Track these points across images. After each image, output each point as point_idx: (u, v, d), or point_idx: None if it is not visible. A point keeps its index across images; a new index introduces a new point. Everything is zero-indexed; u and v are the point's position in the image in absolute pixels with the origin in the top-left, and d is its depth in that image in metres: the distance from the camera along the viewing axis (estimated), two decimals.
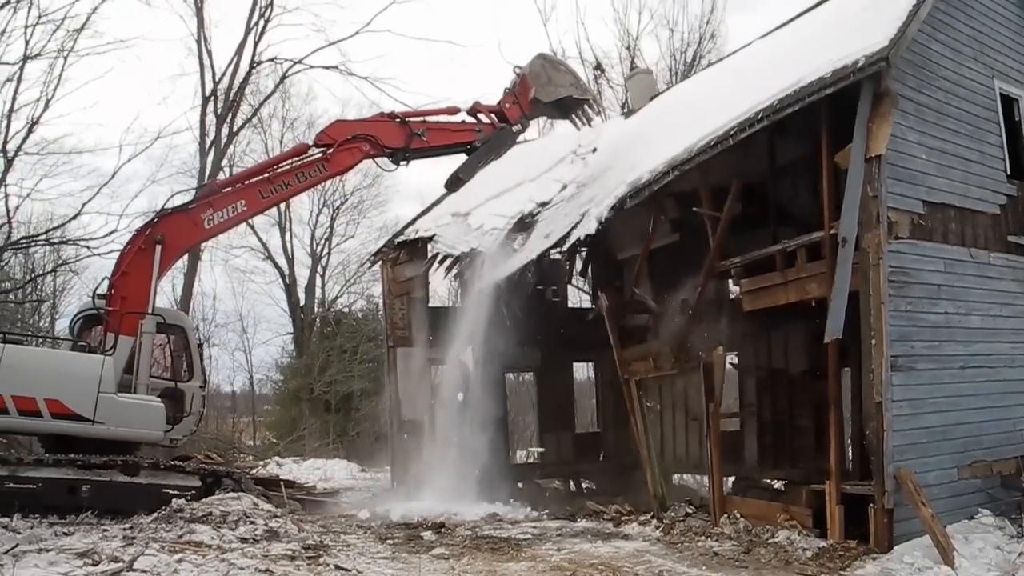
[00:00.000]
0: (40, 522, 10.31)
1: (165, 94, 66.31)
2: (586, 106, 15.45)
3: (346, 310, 34.09)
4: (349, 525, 12.45)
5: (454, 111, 14.64)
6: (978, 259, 10.98)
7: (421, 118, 14.24)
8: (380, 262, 19.29)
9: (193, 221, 12.77)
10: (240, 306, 37.07)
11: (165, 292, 29.51)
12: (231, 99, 24.93)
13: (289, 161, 13.52)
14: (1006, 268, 11.39)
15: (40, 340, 20.23)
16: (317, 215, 34.65)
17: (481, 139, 14.33)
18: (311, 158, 13.51)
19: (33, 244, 23.02)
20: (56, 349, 12.47)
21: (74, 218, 20.73)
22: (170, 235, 12.55)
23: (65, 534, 9.65)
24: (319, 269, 34.68)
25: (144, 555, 8.19)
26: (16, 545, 8.55)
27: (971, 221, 11.03)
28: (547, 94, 14.72)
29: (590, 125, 16.00)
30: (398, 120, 13.93)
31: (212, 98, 24.47)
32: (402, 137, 13.84)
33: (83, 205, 21.51)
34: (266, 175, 13.29)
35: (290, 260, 33.61)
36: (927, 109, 10.63)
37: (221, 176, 23.12)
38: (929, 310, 10.28)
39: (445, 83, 52.47)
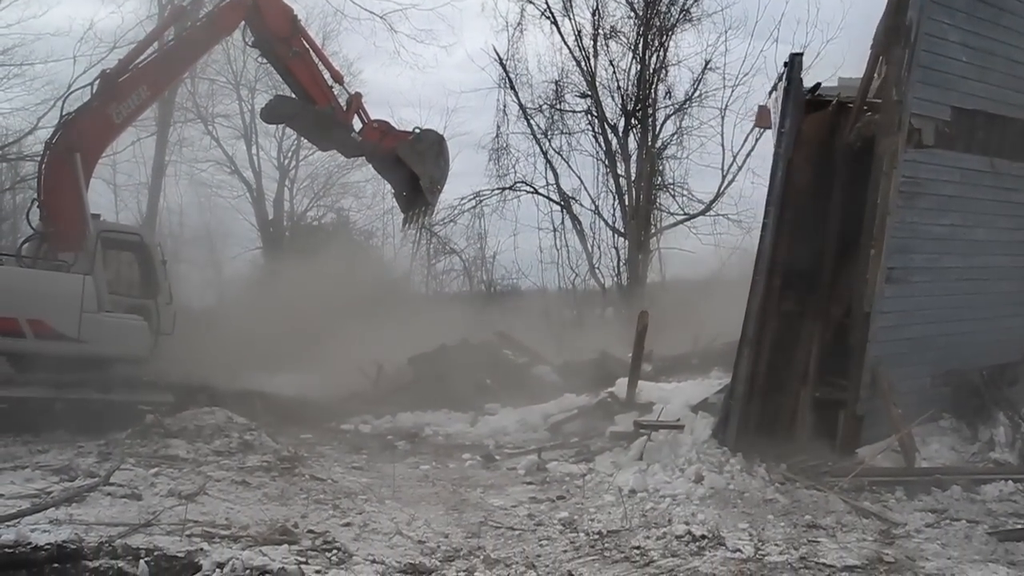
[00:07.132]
0: (14, 440, 10.23)
1: (120, 2, 63.50)
2: (426, 210, 14.82)
3: (315, 223, 33.69)
4: (323, 436, 12.56)
5: (340, 79, 14.18)
6: (998, 169, 10.29)
7: (311, 48, 13.71)
8: None
9: (104, 118, 12.16)
10: (208, 221, 36.30)
11: (130, 208, 29.05)
12: (188, 6, 23.95)
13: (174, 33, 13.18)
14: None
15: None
16: (283, 127, 33.75)
17: (324, 112, 13.68)
18: (198, 25, 13.32)
19: None
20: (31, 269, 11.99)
21: (30, 133, 20.16)
22: (85, 139, 11.97)
23: (40, 451, 9.62)
24: (287, 182, 34.08)
25: (120, 470, 8.25)
26: None
27: (1000, 128, 10.27)
28: (407, 153, 14.07)
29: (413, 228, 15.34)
30: (294, 18, 13.50)
31: (168, 5, 23.51)
32: (287, 27, 13.34)
33: (39, 120, 20.80)
34: (160, 53, 12.79)
35: (257, 173, 32.88)
36: (984, 5, 9.79)
37: None
38: (935, 221, 9.77)
39: None
